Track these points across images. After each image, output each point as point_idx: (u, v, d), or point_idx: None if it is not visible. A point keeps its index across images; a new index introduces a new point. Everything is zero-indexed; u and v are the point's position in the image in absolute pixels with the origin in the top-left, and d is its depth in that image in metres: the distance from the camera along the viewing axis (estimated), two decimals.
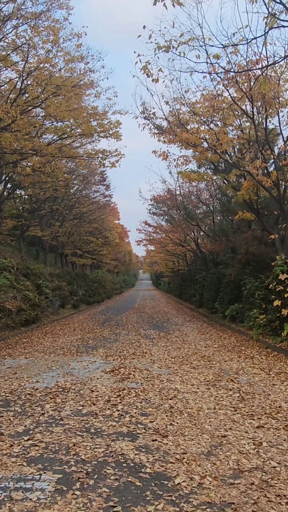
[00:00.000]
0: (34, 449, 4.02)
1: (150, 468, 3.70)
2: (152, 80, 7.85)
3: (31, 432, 4.52)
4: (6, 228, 24.98)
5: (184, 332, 14.11)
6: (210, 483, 3.42)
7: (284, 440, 4.45)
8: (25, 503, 3.03)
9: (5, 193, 23.57)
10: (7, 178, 22.81)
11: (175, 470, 3.66)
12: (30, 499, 3.09)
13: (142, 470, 3.65)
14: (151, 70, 7.58)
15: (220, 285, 18.50)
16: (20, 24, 14.76)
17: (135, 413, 5.29)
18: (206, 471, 3.65)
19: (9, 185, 24.15)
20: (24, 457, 3.83)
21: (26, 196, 27.12)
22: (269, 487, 3.38)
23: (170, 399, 5.97)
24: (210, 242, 22.25)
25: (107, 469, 3.65)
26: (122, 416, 5.14)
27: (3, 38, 14.89)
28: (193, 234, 25.41)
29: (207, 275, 22.18)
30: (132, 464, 3.76)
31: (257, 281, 13.37)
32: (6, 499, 3.08)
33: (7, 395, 6.05)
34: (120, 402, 5.74)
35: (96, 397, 5.97)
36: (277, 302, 10.78)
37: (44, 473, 3.53)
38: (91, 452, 3.99)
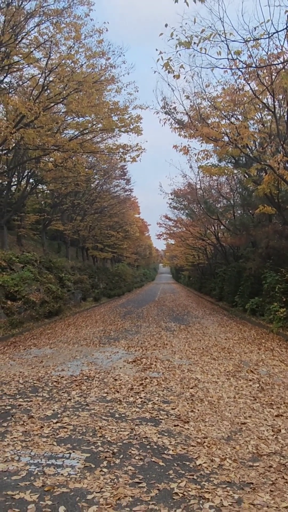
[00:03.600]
0: (63, 431, 4.27)
1: (172, 450, 3.90)
2: (174, 76, 7.96)
3: (59, 415, 4.78)
4: (29, 222, 25.51)
5: (204, 325, 14.25)
6: (229, 465, 3.61)
7: None
8: (57, 477, 3.27)
9: (28, 188, 24.06)
10: (29, 174, 23.25)
11: (196, 453, 3.85)
12: (62, 474, 3.33)
13: (165, 452, 3.85)
14: (172, 67, 7.68)
15: (240, 279, 18.52)
16: (43, 22, 15.01)
17: (157, 400, 5.50)
18: (226, 454, 3.83)
19: (31, 180, 24.63)
20: (54, 438, 4.09)
21: (48, 191, 27.58)
22: (287, 469, 3.54)
23: (191, 388, 6.15)
24: (230, 236, 22.20)
25: (132, 450, 3.87)
26: (145, 403, 5.36)
27: (26, 36, 15.19)
28: (213, 228, 25.39)
29: (227, 269, 22.19)
30: (155, 446, 3.98)
31: (278, 275, 13.38)
32: (39, 473, 3.33)
33: (34, 382, 6.35)
34: (143, 390, 5.96)
35: (120, 385, 6.21)
36: None
37: (73, 452, 3.78)
38: (116, 435, 4.22)
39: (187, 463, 3.64)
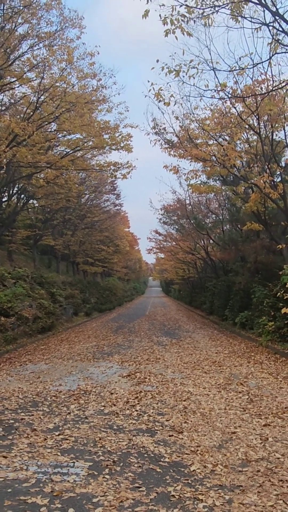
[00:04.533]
0: (66, 442, 4.56)
1: (168, 458, 4.21)
2: (164, 103, 8.45)
3: (60, 428, 5.06)
4: (20, 237, 25.73)
5: (196, 339, 14.57)
6: (221, 470, 3.93)
7: None
8: (64, 484, 3.56)
9: (19, 204, 24.34)
10: (21, 190, 23.56)
11: (190, 460, 4.17)
12: (68, 480, 3.63)
13: (162, 460, 4.16)
14: (163, 96, 8.17)
15: (230, 293, 18.93)
16: (35, 44, 15.52)
17: (152, 412, 5.80)
18: (218, 461, 4.15)
19: (22, 196, 24.92)
20: (57, 449, 4.37)
21: (39, 207, 27.89)
22: (273, 474, 3.87)
23: (184, 400, 6.47)
24: (219, 251, 22.70)
25: (131, 458, 4.17)
26: (141, 415, 5.66)
27: (19, 57, 15.67)
28: (203, 242, 25.88)
29: (217, 283, 22.61)
30: (152, 455, 4.28)
31: (266, 289, 13.80)
32: (47, 480, 3.62)
33: (34, 397, 6.60)
34: (138, 403, 6.26)
35: (116, 399, 6.50)
36: (285, 310, 11.21)
37: (77, 461, 4.07)
38: (116, 445, 4.52)
39: (182, 469, 3.95)
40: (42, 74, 15.30)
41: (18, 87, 16.44)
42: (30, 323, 14.92)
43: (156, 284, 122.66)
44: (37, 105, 15.61)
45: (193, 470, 3.92)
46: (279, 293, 11.66)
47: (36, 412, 5.75)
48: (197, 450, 4.43)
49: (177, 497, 3.40)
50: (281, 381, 7.97)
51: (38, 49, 15.48)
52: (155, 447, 4.49)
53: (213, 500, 3.34)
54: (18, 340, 13.37)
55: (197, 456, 4.27)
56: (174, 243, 32.19)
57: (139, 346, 12.82)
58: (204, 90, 7.91)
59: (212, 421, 5.44)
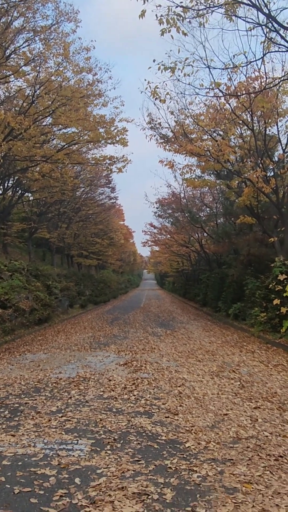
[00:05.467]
0: (69, 423, 4.87)
1: (165, 436, 4.54)
2: (160, 100, 8.69)
3: (63, 411, 5.37)
4: (15, 230, 25.87)
5: (189, 330, 14.93)
6: (213, 446, 4.26)
7: (276, 417, 5.27)
8: (70, 458, 3.88)
9: (14, 197, 24.46)
10: (16, 183, 23.65)
11: (185, 438, 4.50)
12: (73, 455, 3.94)
13: (159, 438, 4.49)
14: (159, 94, 8.40)
15: (223, 285, 19.29)
16: (31, 38, 15.60)
17: (149, 397, 6.12)
18: (211, 438, 4.48)
19: (18, 189, 25.01)
20: (62, 428, 4.68)
21: (34, 200, 28.00)
22: (261, 449, 4.21)
23: (179, 386, 6.80)
24: (213, 244, 23.03)
25: (130, 437, 4.49)
26: (138, 400, 5.98)
27: (15, 51, 15.75)
28: (197, 235, 26.20)
29: (210, 275, 22.97)
30: (150, 434, 4.60)
31: (258, 281, 14.16)
32: (54, 455, 3.93)
33: (36, 383, 6.90)
34: (135, 389, 6.58)
35: (114, 385, 6.81)
36: (276, 301, 11.59)
37: (80, 439, 4.39)
38: (116, 425, 4.83)
39: (178, 445, 4.28)
40: (38, 68, 15.44)
41: (13, 80, 16.54)
42: (27, 315, 15.19)
43: (150, 277, 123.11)
44: (33, 99, 15.74)
45: (188, 447, 4.24)
46: (270, 285, 12.02)
47: (39, 397, 6.05)
48: (192, 429, 4.76)
49: (173, 468, 3.72)
50: (271, 368, 8.32)
51: (33, 43, 15.59)
52: (152, 427, 4.82)
53: (207, 471, 3.67)
54: (16, 331, 13.65)
55: (191, 434, 4.60)
56: (168, 236, 32.48)
57: (134, 336, 13.15)
58: (199, 89, 8.12)
59: (206, 405, 5.78)
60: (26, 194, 26.35)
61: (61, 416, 5.12)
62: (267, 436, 4.58)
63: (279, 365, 8.65)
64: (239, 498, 3.19)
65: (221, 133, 13.53)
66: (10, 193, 24.52)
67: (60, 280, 24.70)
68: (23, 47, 15.48)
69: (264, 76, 10.85)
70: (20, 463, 3.73)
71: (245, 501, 3.15)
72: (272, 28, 8.16)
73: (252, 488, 3.37)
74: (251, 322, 13.73)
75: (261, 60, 9.61)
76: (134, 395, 6.21)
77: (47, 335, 13.78)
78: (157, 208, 29.59)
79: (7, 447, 4.10)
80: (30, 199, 28.11)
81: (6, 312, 14.11)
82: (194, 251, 28.65)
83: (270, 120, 12.82)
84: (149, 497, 3.18)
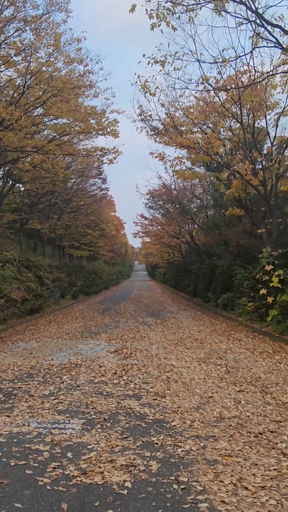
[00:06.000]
0: (61, 405, 5.10)
1: (152, 416, 4.79)
2: (150, 94, 8.85)
3: (55, 394, 5.60)
4: (6, 221, 25.86)
5: (179, 319, 15.22)
6: (198, 425, 4.52)
7: (259, 399, 5.55)
8: (62, 435, 4.12)
9: (5, 188, 24.42)
10: (7, 173, 23.61)
11: (171, 418, 4.76)
12: (65, 433, 4.18)
13: (146, 418, 4.74)
14: (149, 87, 8.55)
15: (213, 276, 19.59)
16: (22, 28, 15.54)
17: (138, 382, 6.38)
18: (195, 418, 4.75)
19: (8, 180, 24.97)
20: (54, 410, 4.92)
21: (25, 191, 27.96)
22: (243, 427, 4.48)
23: (167, 372, 7.06)
24: (203, 235, 23.30)
25: (120, 417, 4.74)
26: (128, 384, 6.23)
27: (5, 41, 15.69)
28: (187, 227, 26.44)
29: (201, 266, 23.28)
30: (138, 414, 4.86)
31: (246, 272, 14.47)
32: (47, 433, 4.17)
33: (28, 369, 7.12)
34: (125, 374, 6.83)
35: (104, 371, 7.06)
36: (263, 291, 11.90)
37: (72, 419, 4.63)
38: (106, 407, 5.08)
39: (164, 424, 4.54)
40: (29, 58, 15.40)
41: (3, 70, 16.48)
42: (19, 305, 15.36)
43: (142, 268, 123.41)
44: (24, 89, 15.72)
45: (174, 425, 4.51)
46: (258, 275, 12.33)
47: (32, 382, 6.27)
48: (178, 410, 5.02)
49: (159, 444, 3.98)
50: (257, 355, 8.63)
51: (24, 33, 15.53)
52: (140, 408, 5.07)
53: (190, 446, 3.93)
54: (8, 321, 13.82)
55: (177, 415, 4.86)
56: (159, 227, 32.69)
57: (125, 326, 13.40)
58: (188, 83, 8.28)
59: (192, 388, 6.04)
60: (17, 184, 26.32)
61: (54, 399, 5.35)
62: (248, 416, 4.86)
63: (264, 352, 8.96)
64: (219, 469, 3.46)
65: (210, 125, 13.70)
66: (1, 183, 24.49)
67: (52, 271, 24.83)
68: (14, 37, 15.43)
69: (253, 70, 11.04)
70: (15, 440, 3.96)
71: (225, 471, 3.41)
72: (260, 24, 8.33)
73: (232, 460, 3.64)
74: (239, 312, 14.05)
75: (250, 54, 9.78)
76: (124, 380, 6.46)
77: (39, 325, 13.97)
78: (148, 199, 29.79)
79: (2, 426, 4.33)
80: (21, 190, 28.08)
81: None
82: (184, 242, 28.91)
83: (258, 113, 13.02)
84: (136, 468, 3.43)
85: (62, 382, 6.24)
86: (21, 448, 3.76)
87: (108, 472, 3.33)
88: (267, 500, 2.98)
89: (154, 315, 16.90)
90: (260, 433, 4.30)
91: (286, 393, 5.86)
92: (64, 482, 3.17)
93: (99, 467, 3.42)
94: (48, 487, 3.08)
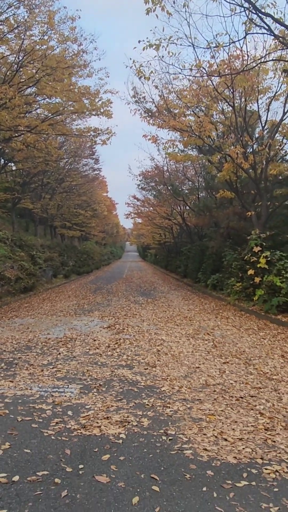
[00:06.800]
0: (59, 373, 5.52)
1: (144, 383, 5.23)
2: (144, 78, 9.03)
3: (53, 364, 6.02)
4: None
5: (170, 299, 15.69)
6: (185, 390, 4.97)
7: (242, 370, 6.02)
8: (62, 397, 4.54)
9: None
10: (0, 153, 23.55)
11: (161, 384, 5.20)
12: (65, 395, 4.60)
13: (138, 384, 5.18)
14: (143, 72, 8.74)
15: (203, 257, 20.04)
16: (16, 3, 15.38)
17: (130, 354, 6.81)
18: (183, 385, 5.19)
19: (0, 159, 24.92)
20: (53, 377, 5.33)
21: (17, 170, 27.92)
22: (226, 392, 4.94)
23: (157, 346, 7.50)
24: (195, 217, 23.63)
25: (114, 383, 5.17)
26: (121, 356, 6.66)
27: None
28: (179, 208, 26.73)
29: (192, 248, 23.70)
30: (131, 381, 5.29)
31: (235, 253, 14.91)
32: (49, 396, 4.58)
33: (26, 342, 7.52)
34: (118, 347, 7.26)
35: (99, 344, 7.48)
36: (250, 271, 12.37)
37: (70, 384, 5.04)
38: (101, 375, 5.51)
39: (155, 390, 4.98)
40: (22, 35, 15.31)
41: None
42: (13, 283, 15.68)
43: (133, 249, 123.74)
44: (18, 67, 15.67)
45: (163, 390, 4.95)
46: (246, 257, 12.77)
47: (31, 353, 6.68)
48: (167, 378, 5.46)
49: (150, 405, 4.42)
50: (243, 332, 9.12)
51: (17, 9, 15.38)
52: (133, 376, 5.50)
53: (178, 407, 4.38)
54: (3, 299, 14.17)
55: (167, 382, 5.31)
56: (151, 208, 32.91)
57: (117, 304, 13.82)
58: (182, 69, 8.48)
59: (181, 360, 6.50)
60: (9, 164, 26.27)
61: (52, 368, 5.76)
62: (232, 383, 5.32)
63: (250, 329, 9.46)
64: (203, 425, 3.90)
65: (203, 109, 13.89)
66: None
67: (44, 251, 25.09)
68: (6, 13, 15.29)
69: (246, 55, 11.24)
70: (20, 401, 4.37)
71: (208, 427, 3.86)
72: (253, 11, 8.52)
73: (215, 418, 4.09)
74: (228, 292, 14.55)
75: (243, 40, 9.97)
76: (117, 352, 6.89)
77: (33, 303, 14.33)
78: (140, 180, 29.91)
79: (7, 390, 4.73)
80: (13, 169, 28.03)
81: None
82: (176, 223, 29.24)
83: (251, 97, 13.24)
84: (130, 423, 3.86)
85: (59, 354, 6.65)
86: (26, 407, 4.17)
87: (105, 426, 3.76)
88: (243, 448, 3.43)
89: (145, 294, 17.35)
90: (241, 397, 4.76)
91: (267, 364, 6.34)
92: (66, 434, 3.59)
93: (97, 422, 3.84)
94: (53, 437, 3.50)
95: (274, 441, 3.60)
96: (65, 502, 2.57)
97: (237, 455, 3.30)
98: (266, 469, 3.11)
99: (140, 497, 2.66)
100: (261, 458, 3.28)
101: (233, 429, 3.83)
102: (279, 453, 3.39)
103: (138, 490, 2.74)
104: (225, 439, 3.59)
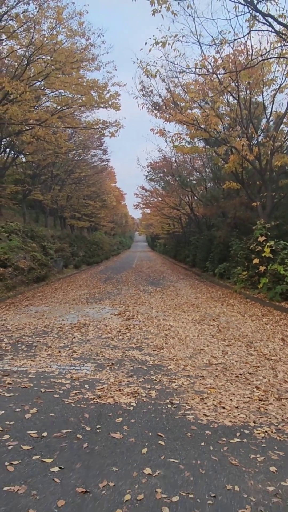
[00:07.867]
0: (75, 354, 6.06)
1: (152, 362, 5.75)
2: (151, 75, 9.42)
3: (69, 346, 6.56)
4: (9, 192, 26.48)
5: (178, 288, 16.18)
6: (190, 368, 5.48)
7: (243, 352, 6.51)
8: (79, 374, 5.07)
9: (8, 160, 24.92)
10: (10, 145, 24.05)
11: (168, 363, 5.71)
12: (81, 372, 5.14)
13: (147, 363, 5.70)
14: (150, 70, 9.13)
15: (211, 246, 20.46)
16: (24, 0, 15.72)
17: (140, 337, 7.34)
18: (188, 364, 5.70)
19: (11, 151, 25.42)
20: (70, 357, 5.87)
21: (28, 162, 28.43)
22: (227, 370, 5.44)
23: (165, 330, 8.02)
24: (202, 207, 23.99)
25: (125, 362, 5.70)
26: (131, 339, 7.19)
27: (7, 12, 15.94)
28: (187, 198, 27.07)
29: (200, 237, 24.10)
30: (140, 361, 5.81)
31: (242, 242, 15.31)
32: (67, 372, 5.12)
33: (43, 328, 8.08)
34: (128, 332, 7.79)
35: (110, 329, 8.01)
36: (256, 260, 12.79)
37: (86, 363, 5.58)
38: (113, 355, 6.04)
39: (162, 368, 5.50)
40: (31, 30, 15.69)
41: (5, 39, 16.70)
42: (26, 273, 16.28)
43: (142, 239, 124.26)
44: (28, 61, 16.08)
45: (170, 368, 5.46)
46: (252, 246, 13.18)
47: (48, 337, 7.23)
48: (174, 358, 5.97)
49: (157, 380, 4.93)
50: (247, 318, 9.60)
51: (26, 5, 15.74)
52: (142, 356, 6.03)
53: (182, 382, 4.89)
54: (17, 288, 14.78)
55: (173, 361, 5.82)
56: (160, 199, 33.28)
57: (127, 293, 14.35)
58: (187, 68, 8.85)
59: (187, 343, 7.00)
60: (20, 156, 26.78)
61: (69, 349, 6.31)
62: (233, 363, 5.82)
63: (254, 315, 9.93)
64: (204, 396, 4.41)
65: (209, 102, 14.20)
66: (4, 155, 24.98)
67: (54, 242, 25.67)
68: (16, 9, 15.63)
69: (251, 49, 11.53)
70: (42, 376, 4.92)
71: (208, 397, 4.37)
72: (255, 9, 8.82)
73: (215, 391, 4.59)
74: (234, 280, 14.99)
75: (247, 35, 10.27)
76: (128, 336, 7.42)
77: (46, 292, 14.92)
78: (148, 171, 30.28)
79: (29, 367, 5.29)
80: (23, 161, 28.54)
81: (7, 271, 15.18)
82: (184, 213, 29.60)
83: (256, 90, 13.51)
84: (139, 395, 4.39)
85: (74, 338, 7.20)
86: (47, 382, 4.72)
87: (117, 397, 4.29)
88: (238, 414, 3.94)
89: (154, 283, 17.85)
90: (240, 374, 5.26)
91: (267, 347, 6.82)
92: (84, 402, 4.12)
93: (111, 393, 4.37)
94: (73, 405, 4.04)
95: (267, 409, 4.10)
96: (86, 452, 3.10)
97: (232, 420, 3.81)
98: (257, 430, 3.61)
99: (148, 449, 3.18)
100: (253, 422, 3.78)
101: (231, 399, 4.33)
102: (270, 418, 3.89)
103: (147, 444, 3.27)
104: (223, 407, 4.09)
